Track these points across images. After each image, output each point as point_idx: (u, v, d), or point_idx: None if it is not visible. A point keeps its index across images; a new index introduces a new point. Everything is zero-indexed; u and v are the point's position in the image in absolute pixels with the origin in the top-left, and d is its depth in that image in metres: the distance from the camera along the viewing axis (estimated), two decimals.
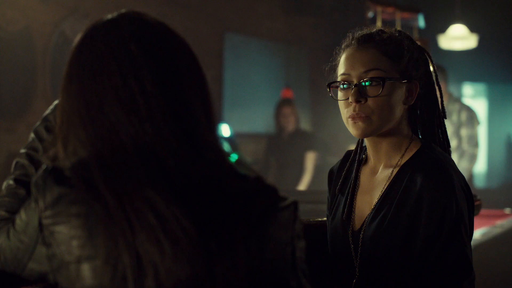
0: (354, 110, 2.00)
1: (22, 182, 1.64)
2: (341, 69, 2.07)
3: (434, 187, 1.92)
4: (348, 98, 2.02)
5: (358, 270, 2.04)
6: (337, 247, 2.12)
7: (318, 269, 2.11)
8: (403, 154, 2.06)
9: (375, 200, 2.06)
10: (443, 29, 8.60)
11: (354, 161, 2.21)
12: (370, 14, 5.67)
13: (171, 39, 1.45)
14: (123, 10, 1.47)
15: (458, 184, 1.95)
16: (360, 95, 2.00)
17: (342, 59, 2.08)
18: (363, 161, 2.19)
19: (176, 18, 8.37)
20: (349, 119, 2.02)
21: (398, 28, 5.76)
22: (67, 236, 1.32)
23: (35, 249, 1.38)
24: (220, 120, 8.81)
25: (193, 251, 1.30)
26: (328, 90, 2.09)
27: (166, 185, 1.33)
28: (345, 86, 2.04)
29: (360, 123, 2.00)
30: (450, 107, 6.70)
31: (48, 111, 1.73)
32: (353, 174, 2.17)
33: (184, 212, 1.31)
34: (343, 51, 2.10)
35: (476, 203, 3.10)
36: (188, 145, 1.37)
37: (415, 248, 1.94)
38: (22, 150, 1.71)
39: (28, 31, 6.34)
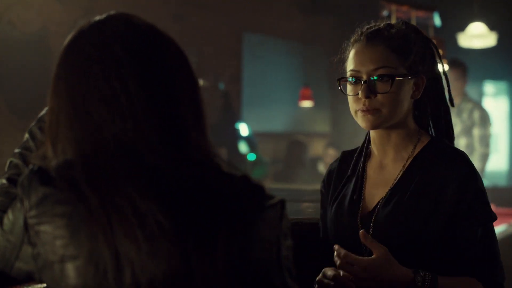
0: (364, 104, 2.06)
1: (15, 181, 1.65)
2: (350, 64, 2.12)
3: (459, 178, 2.01)
4: (357, 94, 2.07)
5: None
6: (343, 233, 2.14)
7: (309, 268, 2.10)
8: (415, 146, 2.13)
9: (386, 189, 2.10)
10: (462, 27, 8.56)
11: (361, 153, 2.25)
12: (385, 13, 5.65)
13: (158, 40, 1.46)
14: (112, 12, 1.48)
15: (475, 167, 2.05)
16: (370, 91, 2.06)
17: (351, 54, 2.13)
18: (369, 155, 2.23)
19: (194, 18, 8.40)
20: (359, 112, 2.08)
21: None
22: (51, 236, 1.33)
23: (21, 249, 1.39)
24: (239, 119, 8.83)
25: (169, 247, 1.31)
26: (338, 84, 2.15)
27: (145, 182, 1.34)
28: (354, 81, 2.09)
29: (369, 116, 2.06)
30: (462, 106, 6.71)
31: (43, 112, 1.75)
32: (360, 167, 2.21)
33: (162, 209, 1.32)
34: (352, 46, 2.14)
35: None
36: (171, 144, 1.38)
37: (436, 225, 2.00)
38: (16, 150, 1.74)
39: (44, 31, 6.38)
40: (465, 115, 6.66)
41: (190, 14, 8.39)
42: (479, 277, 2.00)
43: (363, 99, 2.06)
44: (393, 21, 5.51)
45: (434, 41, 5.86)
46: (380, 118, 2.07)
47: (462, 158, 2.05)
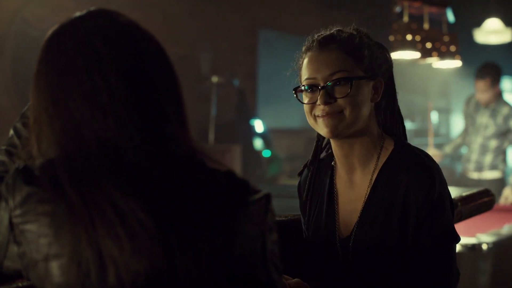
0: (323, 109, 1.98)
1: (3, 178, 1.66)
2: (305, 73, 2.03)
3: (419, 186, 1.94)
4: (315, 101, 1.99)
5: (349, 277, 2.03)
6: (323, 256, 2.11)
7: (299, 264, 2.12)
8: (379, 156, 2.05)
9: (359, 206, 2.04)
10: (478, 23, 8.54)
11: (321, 171, 2.19)
12: (397, 9, 5.66)
13: (139, 36, 1.45)
14: (92, 8, 1.47)
15: (438, 175, 1.97)
16: (328, 96, 1.97)
17: (305, 62, 2.04)
18: (335, 170, 2.15)
19: (209, 15, 8.41)
20: (318, 118, 2.00)
21: (426, 23, 5.74)
22: (36, 235, 1.33)
23: (8, 248, 1.39)
24: (254, 116, 8.83)
25: (151, 245, 1.30)
26: (294, 94, 2.06)
27: (127, 180, 1.33)
28: (311, 89, 2.01)
29: (331, 120, 1.98)
30: (497, 108, 6.67)
31: (26, 108, 1.75)
32: (327, 183, 2.15)
33: (144, 207, 1.31)
34: (305, 54, 2.06)
35: (490, 197, 3.10)
36: (152, 140, 1.37)
37: (407, 244, 1.95)
38: (2, 147, 1.74)
39: None
40: (500, 119, 6.65)
41: (205, 11, 8.40)
42: None
43: (322, 106, 1.97)
44: (405, 18, 5.56)
45: (447, 37, 5.86)
46: (343, 122, 1.98)
47: (424, 169, 1.96)
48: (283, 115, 9.41)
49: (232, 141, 7.93)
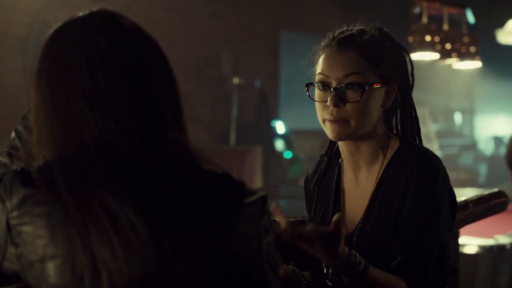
0: (331, 113, 1.97)
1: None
2: (319, 68, 2.02)
3: (419, 182, 1.94)
4: (326, 101, 1.98)
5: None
6: None
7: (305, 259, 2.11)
8: (385, 155, 2.05)
9: (365, 204, 2.05)
10: (501, 24, 8.51)
11: (329, 167, 2.20)
12: (417, 10, 5.65)
13: (142, 38, 1.45)
14: (95, 9, 1.46)
15: (442, 173, 1.96)
16: (339, 99, 1.96)
17: (321, 59, 2.03)
18: (342, 168, 2.16)
19: (231, 16, 8.43)
20: (327, 121, 2.00)
21: (445, 24, 5.69)
22: (32, 236, 1.34)
23: (6, 249, 1.39)
24: (276, 117, 8.84)
25: (145, 251, 1.30)
26: (306, 89, 2.04)
27: (123, 185, 1.33)
28: (323, 87, 1.99)
29: (337, 127, 1.98)
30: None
31: (27, 110, 1.75)
32: (335, 180, 2.16)
33: (138, 212, 1.31)
34: (322, 50, 2.05)
35: (503, 199, 3.08)
36: (151, 143, 1.37)
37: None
38: (4, 149, 1.75)
39: None
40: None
41: (227, 12, 8.43)
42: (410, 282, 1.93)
43: (331, 108, 1.97)
44: (424, 18, 5.54)
45: (467, 38, 5.83)
46: (348, 130, 1.98)
47: (427, 167, 1.96)
48: (304, 116, 9.39)
49: (253, 142, 7.93)
